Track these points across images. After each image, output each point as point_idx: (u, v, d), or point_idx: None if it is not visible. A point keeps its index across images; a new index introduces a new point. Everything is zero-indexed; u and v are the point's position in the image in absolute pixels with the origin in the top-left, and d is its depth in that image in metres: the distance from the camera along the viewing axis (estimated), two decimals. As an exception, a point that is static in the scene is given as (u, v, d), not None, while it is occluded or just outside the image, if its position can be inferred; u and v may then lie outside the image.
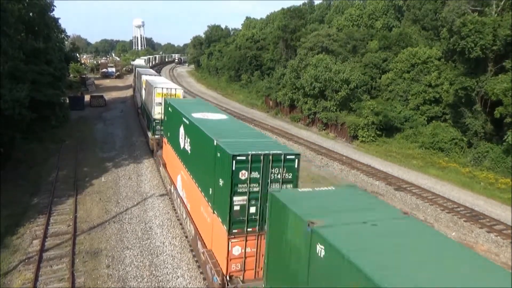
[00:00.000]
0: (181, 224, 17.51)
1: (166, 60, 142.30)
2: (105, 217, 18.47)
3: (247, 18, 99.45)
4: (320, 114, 40.88)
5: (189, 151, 15.33)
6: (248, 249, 11.26)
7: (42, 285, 13.33)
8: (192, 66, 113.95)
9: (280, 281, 8.63)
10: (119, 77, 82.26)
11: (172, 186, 19.17)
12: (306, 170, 27.54)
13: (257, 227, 11.17)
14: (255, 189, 10.84)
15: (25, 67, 24.97)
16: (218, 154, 11.48)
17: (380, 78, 41.11)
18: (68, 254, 15.12)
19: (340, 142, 37.55)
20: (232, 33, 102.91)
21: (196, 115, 15.96)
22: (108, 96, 53.67)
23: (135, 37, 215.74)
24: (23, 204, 19.40)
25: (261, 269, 11.16)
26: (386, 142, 35.82)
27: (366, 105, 36.78)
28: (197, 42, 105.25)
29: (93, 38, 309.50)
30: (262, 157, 10.75)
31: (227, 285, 11.14)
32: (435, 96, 35.56)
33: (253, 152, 10.72)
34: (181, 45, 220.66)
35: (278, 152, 11.01)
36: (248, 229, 11.12)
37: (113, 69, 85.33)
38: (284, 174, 10.97)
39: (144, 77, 33.11)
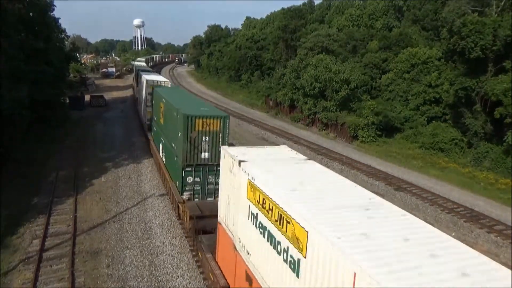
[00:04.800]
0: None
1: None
2: (105, 217, 18.48)
3: (247, 18, 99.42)
4: (320, 114, 40.90)
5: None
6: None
7: (42, 285, 13.34)
8: (192, 66, 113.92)
9: None
10: (119, 77, 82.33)
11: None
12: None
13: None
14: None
15: (25, 67, 24.96)
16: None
17: (380, 78, 41.10)
18: (68, 254, 15.13)
19: (340, 142, 37.55)
20: (232, 33, 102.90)
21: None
22: (108, 96, 53.69)
23: (135, 37, 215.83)
24: (23, 204, 19.40)
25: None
26: (386, 142, 35.83)
27: (366, 105, 36.79)
28: (197, 42, 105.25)
29: (93, 38, 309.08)
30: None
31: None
32: (435, 97, 35.55)
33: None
34: (181, 45, 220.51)
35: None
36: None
37: (113, 69, 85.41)
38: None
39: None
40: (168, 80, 31.79)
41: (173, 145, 18.61)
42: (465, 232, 19.47)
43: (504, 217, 21.23)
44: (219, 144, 16.35)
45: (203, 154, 16.57)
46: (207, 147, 16.51)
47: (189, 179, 16.75)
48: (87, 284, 13.50)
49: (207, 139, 16.44)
